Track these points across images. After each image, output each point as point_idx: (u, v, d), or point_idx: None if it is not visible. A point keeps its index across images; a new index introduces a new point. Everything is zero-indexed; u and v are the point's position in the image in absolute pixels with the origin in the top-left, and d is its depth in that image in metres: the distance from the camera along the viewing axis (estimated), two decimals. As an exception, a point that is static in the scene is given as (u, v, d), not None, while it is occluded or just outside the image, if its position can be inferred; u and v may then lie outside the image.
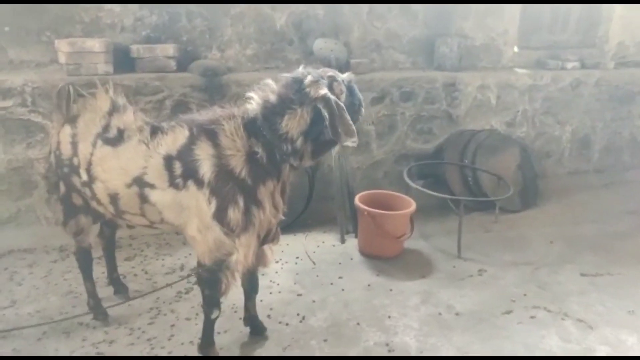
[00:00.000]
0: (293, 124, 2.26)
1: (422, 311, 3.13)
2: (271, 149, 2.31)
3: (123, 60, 3.94)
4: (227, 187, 2.27)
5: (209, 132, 2.30)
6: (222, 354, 2.65)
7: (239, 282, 2.50)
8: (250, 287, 2.76)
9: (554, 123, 5.32)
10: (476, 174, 4.59)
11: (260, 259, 2.63)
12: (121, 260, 3.58)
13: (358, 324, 2.98)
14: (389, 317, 3.06)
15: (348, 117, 2.20)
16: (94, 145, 2.45)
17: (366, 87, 4.47)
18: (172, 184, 2.32)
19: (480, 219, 4.51)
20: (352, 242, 3.99)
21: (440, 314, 3.11)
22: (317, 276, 3.49)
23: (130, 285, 3.25)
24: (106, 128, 2.47)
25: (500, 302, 3.26)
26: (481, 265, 3.73)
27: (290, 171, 2.43)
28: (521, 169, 4.91)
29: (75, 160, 2.52)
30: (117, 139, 2.43)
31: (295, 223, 4.16)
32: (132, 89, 3.81)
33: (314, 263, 3.66)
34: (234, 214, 2.28)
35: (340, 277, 3.47)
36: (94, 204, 2.57)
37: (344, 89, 2.33)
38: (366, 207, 3.69)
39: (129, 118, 2.49)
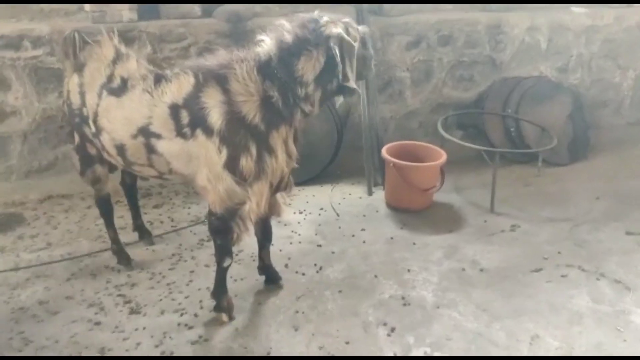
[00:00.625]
0: (308, 67, 2.17)
1: (444, 266, 3.02)
2: (286, 93, 2.21)
3: (149, 7, 3.89)
4: (239, 135, 2.21)
5: (219, 78, 2.22)
6: (236, 300, 2.68)
7: (251, 230, 2.48)
8: (264, 236, 2.74)
9: (614, 68, 4.82)
10: (519, 124, 4.28)
11: (272, 208, 2.59)
12: (150, 207, 3.69)
13: (375, 276, 2.91)
14: (409, 270, 2.97)
15: (355, 63, 2.12)
16: (99, 95, 2.44)
17: (400, 30, 4.20)
18: (180, 133, 2.29)
19: (522, 171, 4.24)
20: (379, 195, 3.87)
21: (463, 269, 2.99)
22: (340, 228, 3.43)
23: (155, 231, 3.33)
24: (110, 78, 2.44)
25: (531, 259, 3.08)
26: (515, 220, 3.52)
27: (302, 117, 2.32)
28: (572, 120, 4.52)
29: (84, 111, 2.53)
30: (120, 89, 2.40)
31: (322, 174, 4.09)
32: (157, 36, 3.77)
33: (337, 215, 3.60)
34: (247, 163, 2.23)
35: (362, 230, 3.40)
36: (105, 154, 2.59)
37: (358, 37, 2.22)
38: (392, 159, 3.54)
39: (132, 66, 2.44)
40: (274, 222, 3.38)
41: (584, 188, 3.99)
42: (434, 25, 4.26)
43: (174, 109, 2.28)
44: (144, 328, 2.51)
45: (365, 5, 4.02)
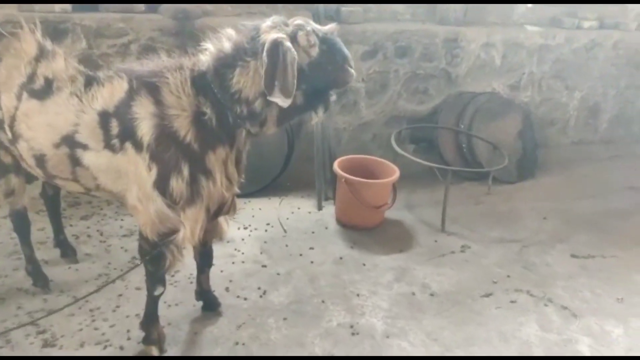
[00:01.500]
0: (247, 81, 1.92)
1: (394, 290, 2.90)
2: (222, 110, 1.97)
3: (85, -2, 3.55)
4: (169, 153, 1.96)
5: (151, 86, 1.97)
6: (169, 329, 2.44)
7: (186, 258, 2.24)
8: (203, 260, 2.51)
9: (562, 88, 4.90)
10: (471, 140, 4.25)
11: (214, 231, 2.37)
12: (77, 218, 3.36)
13: (323, 301, 2.75)
14: (358, 295, 2.83)
15: (291, 74, 1.85)
16: (18, 97, 2.12)
17: (357, 39, 4.06)
18: (108, 145, 2.02)
19: (473, 189, 4.22)
20: (329, 210, 3.72)
21: (413, 293, 2.88)
22: (287, 246, 3.24)
23: (81, 247, 3.02)
24: (32, 77, 2.12)
25: (481, 283, 3.02)
26: (465, 240, 3.46)
27: (247, 137, 2.10)
28: (521, 137, 4.55)
29: None
30: (44, 91, 2.09)
31: (271, 185, 3.89)
32: (93, 30, 3.43)
33: (284, 231, 3.41)
34: (177, 184, 1.99)
35: (311, 248, 3.23)
36: (24, 164, 2.28)
37: (314, 40, 1.94)
38: (344, 174, 3.39)
39: (59, 66, 2.14)
40: (215, 240, 3.16)
41: (531, 207, 4.01)
42: (392, 35, 4.15)
43: (104, 117, 2.02)
44: (61, 362, 2.22)
45: (322, 10, 3.85)
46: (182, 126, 1.96)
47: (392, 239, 3.41)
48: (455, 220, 3.68)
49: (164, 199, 2.00)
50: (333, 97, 2.13)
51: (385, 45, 4.17)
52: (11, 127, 2.15)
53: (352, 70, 2.02)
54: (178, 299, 2.68)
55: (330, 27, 2.03)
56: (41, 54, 2.16)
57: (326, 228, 3.49)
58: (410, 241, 3.41)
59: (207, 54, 2.01)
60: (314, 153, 3.84)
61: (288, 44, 1.86)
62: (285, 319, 2.60)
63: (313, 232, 3.42)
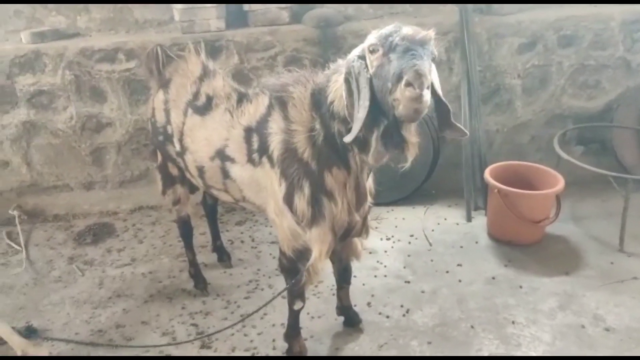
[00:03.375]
0: (334, 96, 1.78)
1: (558, 319, 2.52)
2: (328, 128, 1.84)
3: (237, 14, 3.76)
4: (292, 169, 1.94)
5: (281, 101, 1.98)
6: (311, 342, 2.45)
7: (321, 276, 2.20)
8: (341, 277, 2.46)
9: None
10: (659, 141, 3.54)
11: (349, 250, 2.31)
12: (232, 224, 3.58)
13: (472, 326, 2.51)
14: (513, 322, 2.52)
15: (360, 98, 1.62)
16: (185, 113, 2.32)
17: (511, 31, 3.66)
18: (250, 159, 2.09)
19: (660, 199, 3.51)
20: (480, 221, 3.41)
21: (583, 326, 2.47)
22: (432, 260, 3.04)
23: (235, 252, 3.20)
24: (196, 95, 2.32)
25: (674, 320, 2.47)
26: (651, 264, 2.88)
27: (363, 164, 1.87)
28: None
29: (169, 129, 2.43)
30: (205, 107, 2.27)
31: (415, 193, 3.71)
32: (244, 46, 3.62)
33: (430, 244, 3.21)
34: (300, 202, 1.95)
35: (458, 265, 2.98)
36: (188, 174, 2.48)
37: (376, 47, 1.61)
38: (497, 184, 3.06)
39: (218, 84, 2.30)
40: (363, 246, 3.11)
41: None
42: (554, 23, 3.65)
43: (248, 132, 2.09)
44: (216, 366, 2.36)
45: (469, 5, 3.54)
46: (301, 142, 1.92)
47: (555, 258, 2.99)
48: (638, 238, 3.09)
49: (292, 215, 1.99)
50: (374, 135, 1.70)
51: (545, 36, 3.68)
52: (180, 140, 2.35)
53: (413, 93, 1.47)
54: (321, 311, 2.67)
55: (422, 34, 1.59)
56: (205, 74, 2.33)
57: (476, 242, 3.20)
58: (577, 262, 2.95)
59: (330, 67, 1.93)
60: (462, 158, 3.56)
61: (357, 62, 1.66)
62: (429, 342, 2.43)
63: (461, 247, 3.16)
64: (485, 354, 2.34)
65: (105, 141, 3.87)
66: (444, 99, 1.76)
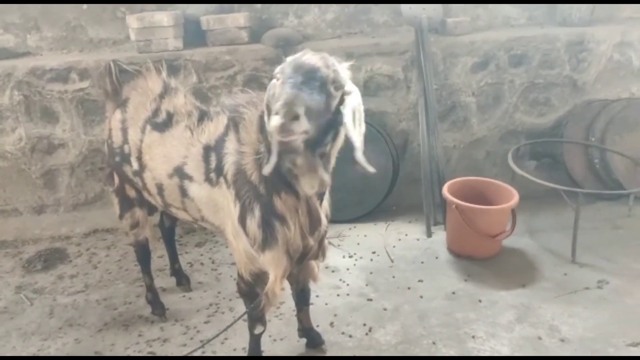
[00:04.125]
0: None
1: (516, 332, 2.57)
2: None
3: (195, 34, 3.73)
4: (244, 190, 1.90)
5: (234, 122, 1.94)
6: (273, 366, 2.40)
7: (279, 300, 2.17)
8: (300, 299, 2.42)
9: None
10: (605, 155, 3.70)
11: (307, 273, 2.27)
12: (192, 245, 3.50)
13: (434, 343, 2.52)
14: (473, 337, 2.55)
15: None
16: (142, 130, 2.27)
17: (465, 51, 3.78)
18: (207, 178, 2.05)
19: (609, 211, 3.67)
20: (440, 236, 3.46)
21: (540, 338, 2.52)
22: (394, 277, 3.06)
23: (194, 275, 3.13)
24: (156, 112, 2.27)
25: (625, 327, 2.55)
26: (602, 274, 2.98)
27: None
28: (670, 149, 3.87)
29: (126, 148, 2.36)
30: (165, 124, 2.23)
31: (376, 209, 3.74)
32: (202, 65, 3.59)
33: (391, 260, 3.23)
34: (251, 224, 1.90)
35: (420, 281, 3.01)
36: (145, 194, 2.41)
37: (279, 76, 1.60)
38: (455, 200, 3.12)
39: (180, 101, 2.27)
40: (321, 269, 3.10)
41: (687, 233, 3.37)
42: (505, 43, 3.80)
43: (207, 151, 2.06)
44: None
45: (424, 24, 3.64)
46: (249, 165, 1.87)
47: (513, 271, 3.06)
48: (589, 249, 3.20)
49: (247, 238, 1.94)
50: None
51: (497, 55, 3.83)
52: (139, 158, 2.29)
53: (276, 123, 1.44)
54: (283, 332, 2.63)
55: (305, 60, 1.59)
56: (165, 91, 2.30)
57: (436, 258, 3.24)
58: (533, 274, 3.03)
59: None
60: (420, 174, 3.62)
61: (269, 90, 1.67)
62: (446, 357, 2.42)
63: (422, 262, 3.19)
64: (447, 370, 2.35)
65: (58, 163, 3.73)
66: (350, 134, 1.62)
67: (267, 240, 1.90)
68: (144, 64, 2.46)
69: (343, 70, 1.64)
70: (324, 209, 2.01)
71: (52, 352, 2.56)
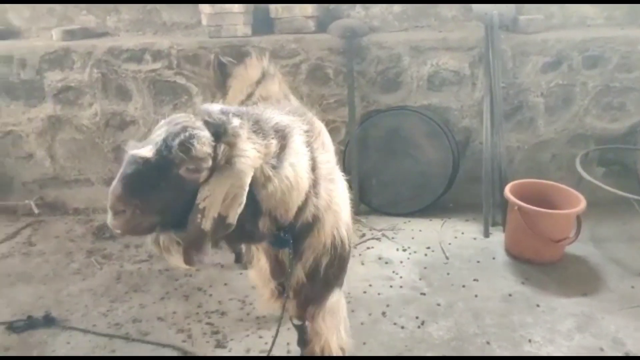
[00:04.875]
0: None
1: (575, 341, 2.48)
2: None
3: (263, 21, 3.80)
4: None
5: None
6: (325, 349, 2.43)
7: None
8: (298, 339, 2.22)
9: None
10: (683, 166, 3.50)
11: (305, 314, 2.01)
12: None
13: (488, 342, 2.48)
14: (530, 341, 2.48)
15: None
16: None
17: (537, 49, 3.65)
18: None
19: (683, 224, 3.46)
20: (498, 237, 3.38)
21: (601, 349, 2.43)
22: (448, 274, 3.02)
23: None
24: (249, 96, 2.34)
25: (696, 348, 2.42)
26: (673, 290, 2.83)
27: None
28: None
29: None
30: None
31: (432, 206, 3.70)
32: (269, 52, 3.65)
33: (446, 257, 3.19)
34: None
35: (475, 280, 2.96)
36: None
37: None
38: (517, 201, 3.04)
39: (274, 88, 2.33)
40: (374, 260, 3.12)
41: None
42: (580, 44, 3.64)
43: None
44: (231, 363, 2.36)
45: (496, 20, 3.54)
46: None
47: (574, 279, 2.95)
48: (659, 263, 3.05)
49: None
50: None
51: (570, 56, 3.68)
52: None
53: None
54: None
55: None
56: (263, 77, 2.36)
57: (493, 258, 3.17)
58: (597, 284, 2.91)
59: None
60: (481, 173, 3.55)
61: None
62: (444, 356, 2.40)
63: (478, 262, 3.14)
64: (501, 371, 2.31)
65: (128, 139, 3.89)
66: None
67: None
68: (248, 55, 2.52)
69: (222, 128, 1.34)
70: (305, 267, 1.71)
71: (119, 314, 2.72)
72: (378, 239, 3.43)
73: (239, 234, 1.43)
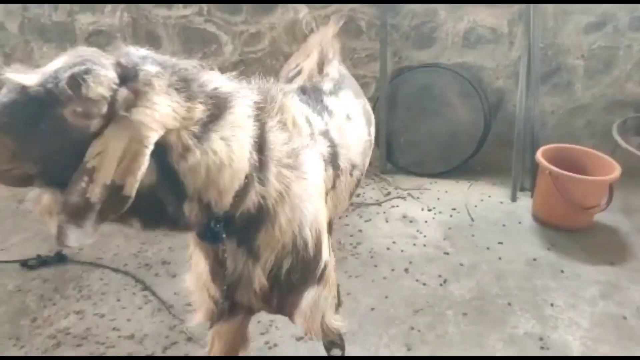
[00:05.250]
0: None
1: (599, 307, 2.48)
2: None
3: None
4: None
5: None
6: (347, 299, 2.47)
7: None
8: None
9: None
10: None
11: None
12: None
13: (509, 304, 2.49)
14: (552, 305, 2.49)
15: None
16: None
17: (581, 8, 3.47)
18: None
19: None
20: (525, 202, 3.34)
21: (625, 317, 2.42)
22: (473, 236, 3.01)
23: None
24: (294, 68, 2.15)
25: None
26: None
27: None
28: None
29: None
30: (293, 78, 2.14)
31: (460, 167, 3.65)
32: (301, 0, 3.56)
33: (472, 219, 3.17)
34: None
35: (500, 243, 2.94)
36: None
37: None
38: (549, 165, 2.98)
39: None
40: (398, 218, 3.12)
41: None
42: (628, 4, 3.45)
43: None
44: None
45: (541, -24, 3.36)
46: None
47: (601, 248, 2.91)
48: (691, 235, 2.99)
49: None
50: None
51: (617, 16, 3.49)
52: None
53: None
54: (359, 271, 2.70)
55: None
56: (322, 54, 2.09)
57: (519, 223, 3.15)
58: (624, 253, 2.87)
59: None
60: (512, 137, 3.47)
61: None
62: (465, 314, 2.43)
63: (504, 225, 3.12)
64: (521, 332, 2.33)
65: (156, 87, 3.91)
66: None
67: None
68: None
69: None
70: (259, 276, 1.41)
71: (149, 255, 2.82)
72: (403, 197, 3.43)
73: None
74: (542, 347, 2.25)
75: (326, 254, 1.53)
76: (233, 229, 1.29)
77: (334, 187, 1.63)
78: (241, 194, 1.23)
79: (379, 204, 3.33)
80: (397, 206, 3.32)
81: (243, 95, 1.26)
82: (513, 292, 2.57)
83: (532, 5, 3.37)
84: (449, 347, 2.24)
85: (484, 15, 3.55)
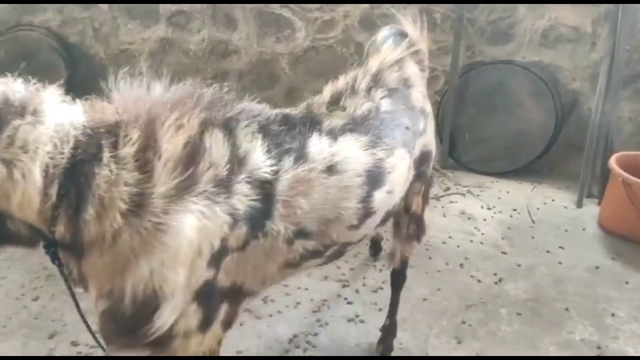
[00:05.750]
0: None
1: (664, 323, 2.39)
2: None
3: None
4: None
5: None
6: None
7: None
8: None
9: None
10: None
11: None
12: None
13: (566, 309, 2.44)
14: (613, 315, 2.42)
15: None
16: None
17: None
18: None
19: None
20: (591, 209, 3.23)
21: (691, 336, 2.32)
22: (533, 238, 2.96)
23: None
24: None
25: None
26: None
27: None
28: None
29: None
30: None
31: (524, 168, 3.57)
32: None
33: (533, 221, 3.11)
34: None
35: (561, 247, 2.88)
36: None
37: None
38: (623, 172, 2.86)
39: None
40: (456, 214, 3.11)
41: None
42: None
43: None
44: (306, 289, 2.51)
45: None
46: None
47: (672, 262, 2.79)
48: None
49: None
50: None
51: None
52: None
53: None
54: (412, 261, 2.65)
55: None
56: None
57: (583, 229, 3.05)
58: (698, 271, 2.73)
59: None
60: (583, 141, 3.35)
61: None
62: (519, 314, 2.41)
63: (566, 230, 3.04)
64: (577, 338, 2.28)
65: (229, 67, 4.08)
66: None
67: None
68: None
69: None
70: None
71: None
72: (462, 194, 3.40)
73: None
74: (598, 355, 2.20)
75: (166, 321, 1.20)
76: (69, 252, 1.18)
77: (242, 248, 1.28)
78: (44, 214, 1.11)
79: (437, 198, 3.33)
80: (456, 202, 3.31)
81: (52, 106, 1.13)
82: (571, 298, 2.51)
83: (621, 5, 3.22)
84: (500, 345, 2.24)
85: (567, 14, 3.43)
